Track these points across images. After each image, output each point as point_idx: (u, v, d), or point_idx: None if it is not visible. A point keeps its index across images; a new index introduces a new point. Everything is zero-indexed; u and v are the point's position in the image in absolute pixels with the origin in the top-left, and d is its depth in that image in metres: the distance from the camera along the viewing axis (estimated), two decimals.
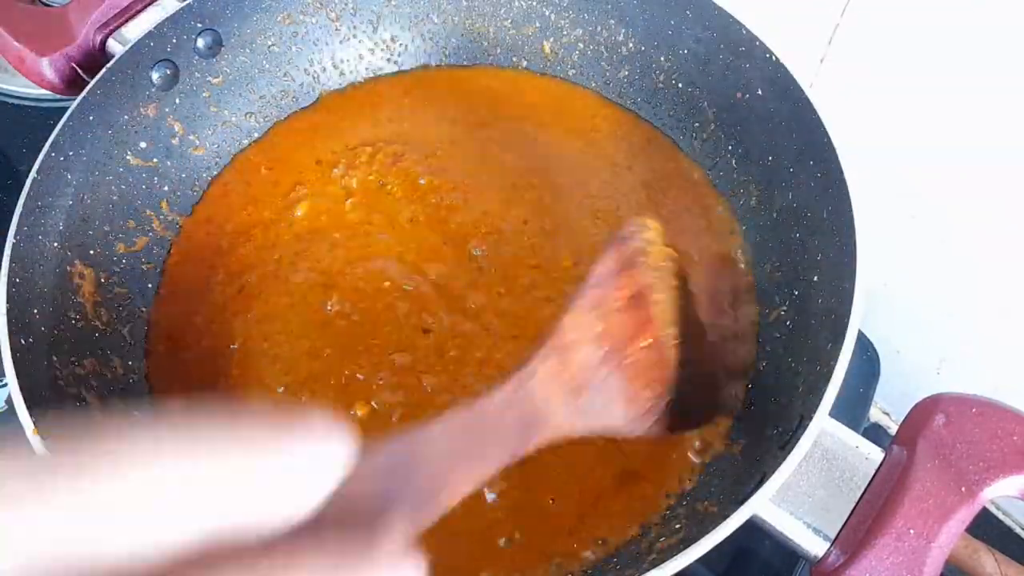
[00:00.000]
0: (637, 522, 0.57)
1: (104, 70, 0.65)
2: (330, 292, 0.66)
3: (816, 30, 0.74)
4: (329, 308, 0.66)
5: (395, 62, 0.81)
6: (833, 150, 0.57)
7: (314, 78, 0.79)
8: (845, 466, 0.49)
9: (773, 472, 0.46)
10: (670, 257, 0.47)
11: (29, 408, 0.50)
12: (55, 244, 0.60)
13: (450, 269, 0.67)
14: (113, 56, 0.67)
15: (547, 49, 0.79)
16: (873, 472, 0.48)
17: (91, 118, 0.64)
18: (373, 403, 0.61)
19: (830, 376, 0.49)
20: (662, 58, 0.73)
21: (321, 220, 0.71)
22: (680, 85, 0.73)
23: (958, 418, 0.48)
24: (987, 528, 1.00)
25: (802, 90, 0.61)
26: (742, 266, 0.67)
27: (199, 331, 0.66)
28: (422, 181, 0.72)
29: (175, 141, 0.72)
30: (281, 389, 0.63)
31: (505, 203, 0.71)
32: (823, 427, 0.49)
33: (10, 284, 0.55)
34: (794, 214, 0.63)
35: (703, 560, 0.44)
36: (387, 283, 0.66)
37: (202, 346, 0.65)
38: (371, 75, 0.80)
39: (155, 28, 0.67)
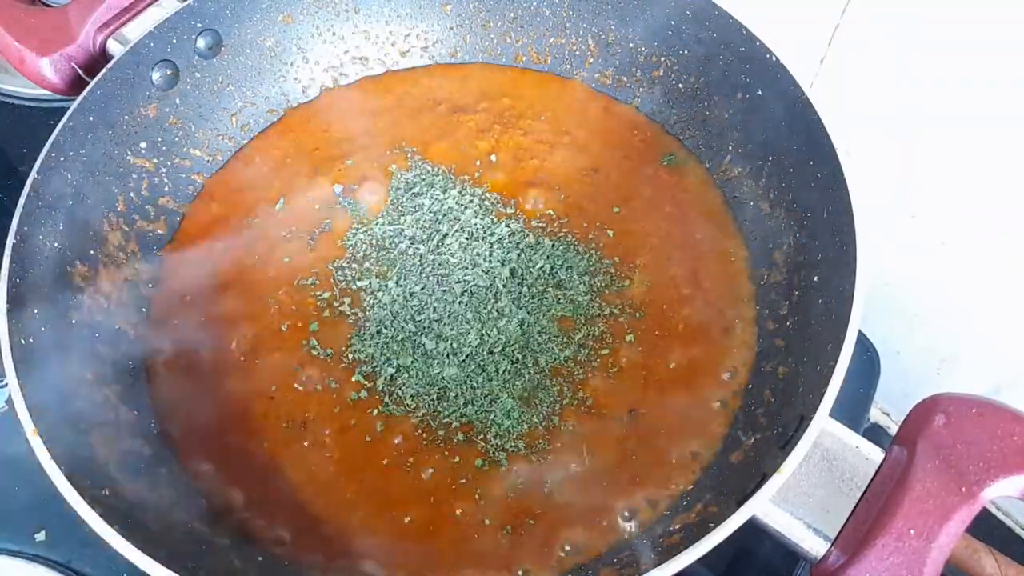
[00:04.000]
0: (638, 522, 0.57)
1: (104, 70, 0.65)
2: (307, 271, 0.68)
3: (816, 30, 0.74)
4: (310, 283, 0.67)
5: (397, 61, 0.81)
6: (833, 150, 0.57)
7: (315, 78, 0.79)
8: (845, 466, 0.49)
9: (773, 472, 0.46)
10: None
11: (29, 408, 0.50)
12: (55, 244, 0.60)
13: None
14: (113, 56, 0.68)
15: (547, 48, 0.79)
16: (873, 472, 0.48)
17: (91, 118, 0.64)
18: None
19: (830, 376, 0.49)
20: (662, 58, 0.73)
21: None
22: (680, 86, 0.73)
23: (958, 418, 0.48)
24: (987, 529, 1.00)
25: (802, 90, 0.61)
26: (742, 266, 0.67)
27: (198, 328, 0.66)
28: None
29: (175, 141, 0.72)
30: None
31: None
32: (823, 427, 0.49)
33: (10, 284, 0.55)
34: (794, 214, 0.63)
35: (703, 560, 0.44)
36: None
37: (201, 344, 0.65)
38: (373, 74, 0.80)
39: (155, 28, 0.67)
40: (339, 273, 0.68)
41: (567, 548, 0.56)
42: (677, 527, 0.55)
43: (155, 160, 0.70)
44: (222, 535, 0.56)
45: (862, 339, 0.80)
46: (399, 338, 0.64)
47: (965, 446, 0.47)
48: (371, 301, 0.66)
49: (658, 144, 0.75)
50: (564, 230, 0.70)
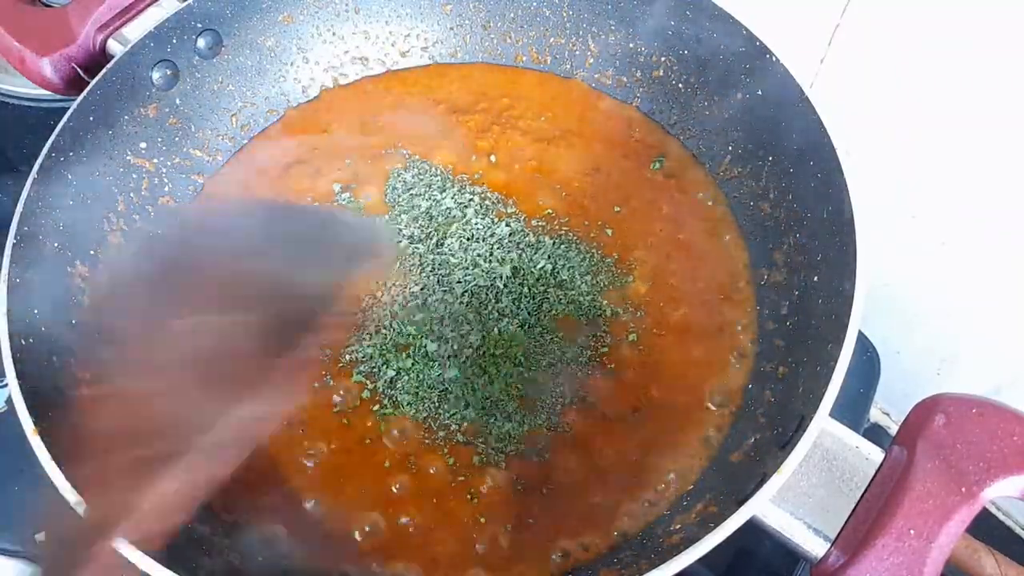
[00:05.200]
0: (638, 522, 0.57)
1: (104, 70, 0.65)
2: None
3: (816, 30, 0.74)
4: None
5: (397, 61, 0.81)
6: (833, 150, 0.57)
7: (315, 78, 0.79)
8: (845, 466, 0.49)
9: (773, 472, 0.46)
10: None
11: (29, 408, 0.50)
12: (55, 244, 0.60)
13: None
14: (113, 56, 0.67)
15: (547, 48, 0.79)
16: (873, 472, 0.48)
17: (91, 118, 0.64)
18: None
19: (830, 376, 0.49)
20: (662, 58, 0.73)
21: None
22: (680, 86, 0.73)
23: (958, 418, 0.48)
24: (987, 529, 1.00)
25: (802, 90, 0.61)
26: (742, 266, 0.67)
27: None
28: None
29: (175, 141, 0.72)
30: None
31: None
32: (823, 427, 0.49)
33: (11, 285, 0.55)
34: (794, 214, 0.63)
35: (703, 560, 0.44)
36: None
37: None
38: (373, 74, 0.80)
39: (155, 28, 0.67)
40: None
41: (567, 548, 0.56)
42: (677, 527, 0.55)
43: (155, 160, 0.70)
44: (222, 535, 0.56)
45: (862, 339, 0.80)
46: (399, 340, 0.64)
47: (965, 446, 0.47)
48: (370, 301, 0.66)
49: (658, 144, 0.75)
50: (564, 229, 0.70)
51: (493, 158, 0.74)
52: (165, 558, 0.45)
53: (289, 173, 0.74)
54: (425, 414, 0.61)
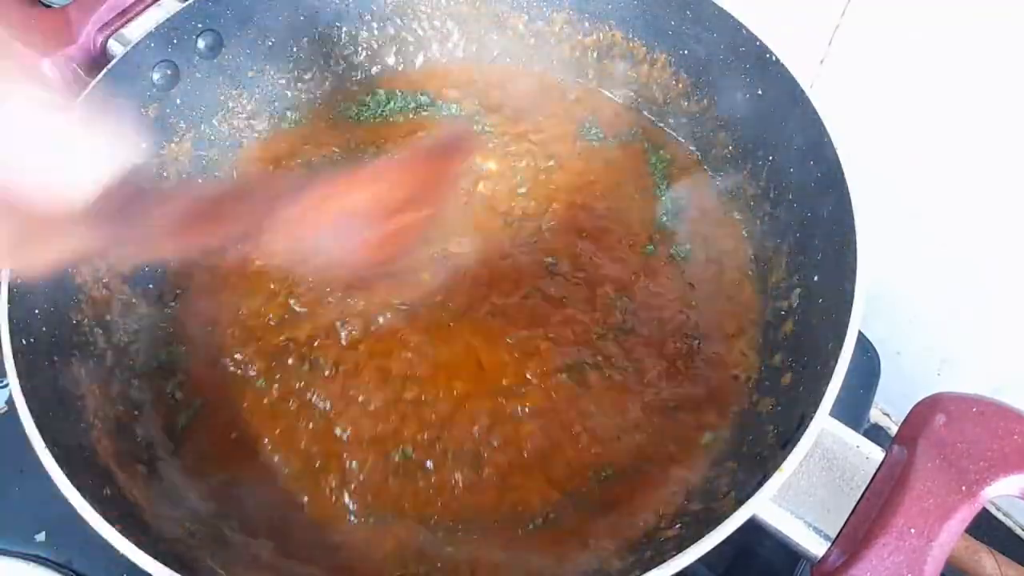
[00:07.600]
0: (639, 522, 0.57)
1: (105, 71, 0.65)
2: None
3: (816, 30, 0.74)
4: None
5: (400, 62, 0.81)
6: (833, 150, 0.58)
7: (314, 80, 0.79)
8: (846, 466, 0.49)
9: (773, 471, 0.46)
10: None
11: (30, 408, 0.50)
12: None
13: None
14: (114, 57, 0.67)
15: (547, 49, 0.79)
16: (874, 472, 0.48)
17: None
18: None
19: (830, 376, 0.49)
20: (663, 58, 0.73)
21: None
22: (680, 85, 0.73)
23: (958, 417, 0.48)
24: (987, 529, 1.00)
25: (802, 90, 0.61)
26: (743, 267, 0.67)
27: (198, 331, 0.66)
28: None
29: (176, 141, 0.72)
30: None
31: None
32: (823, 427, 0.49)
33: (11, 285, 0.55)
34: (794, 214, 0.63)
35: (703, 560, 0.44)
36: None
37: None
38: (376, 76, 0.80)
39: (156, 29, 0.67)
40: None
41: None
42: (677, 526, 0.55)
43: (156, 160, 0.70)
44: (222, 535, 0.56)
45: (862, 339, 0.80)
46: None
47: (966, 445, 0.47)
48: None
49: (658, 143, 0.75)
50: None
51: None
52: (165, 557, 0.45)
53: (290, 175, 0.74)
54: None
